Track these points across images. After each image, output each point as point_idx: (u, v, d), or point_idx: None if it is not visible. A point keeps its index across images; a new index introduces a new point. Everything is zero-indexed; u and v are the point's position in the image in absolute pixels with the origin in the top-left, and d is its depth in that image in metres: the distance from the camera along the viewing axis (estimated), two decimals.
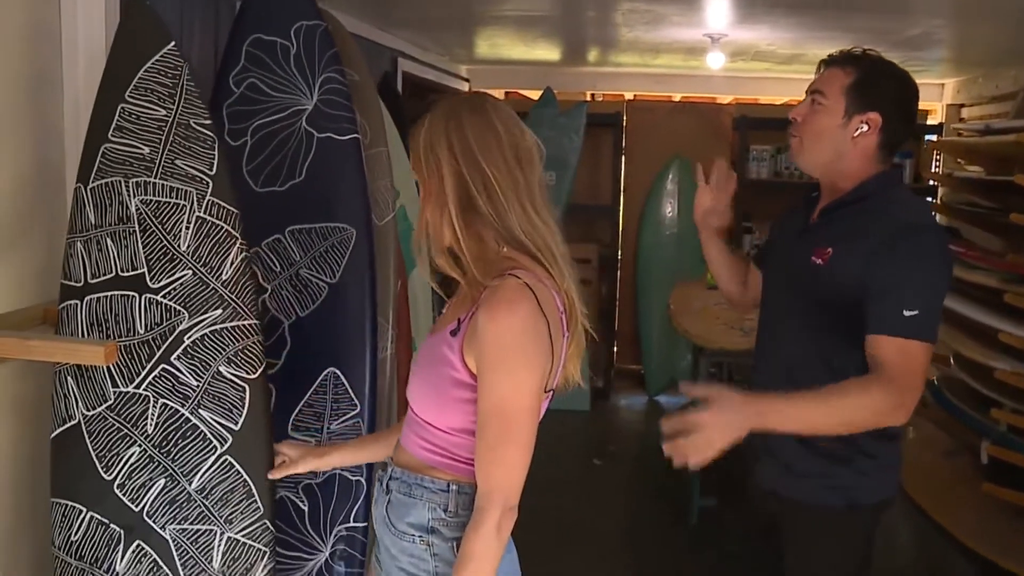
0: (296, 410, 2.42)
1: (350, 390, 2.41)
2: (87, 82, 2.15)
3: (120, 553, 2.03)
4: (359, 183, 2.47)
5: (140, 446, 2.01)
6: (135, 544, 2.02)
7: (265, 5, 2.49)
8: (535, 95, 6.26)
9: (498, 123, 1.57)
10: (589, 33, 5.08)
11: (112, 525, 2.03)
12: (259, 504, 2.00)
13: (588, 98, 6.99)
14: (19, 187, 2.15)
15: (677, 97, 7.03)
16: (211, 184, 1.95)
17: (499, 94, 7.60)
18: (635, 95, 7.25)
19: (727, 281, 2.51)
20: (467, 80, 6.57)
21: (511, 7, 4.06)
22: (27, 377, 2.14)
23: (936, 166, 6.24)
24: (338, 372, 2.42)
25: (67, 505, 2.04)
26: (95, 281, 2.00)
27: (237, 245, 1.96)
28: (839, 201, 2.08)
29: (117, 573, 2.04)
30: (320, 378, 2.41)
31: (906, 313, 1.87)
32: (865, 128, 2.04)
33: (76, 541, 2.05)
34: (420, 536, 1.62)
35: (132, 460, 2.01)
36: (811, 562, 2.16)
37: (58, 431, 2.05)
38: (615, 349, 6.66)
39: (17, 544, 2.15)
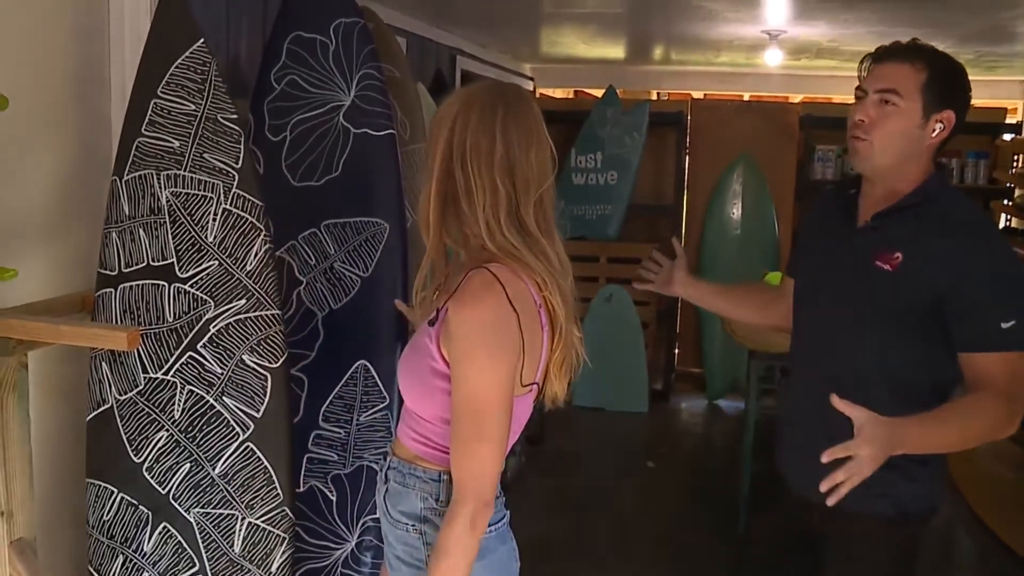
0: (327, 401, 2.45)
1: (379, 383, 2.44)
2: (131, 78, 2.22)
3: (148, 534, 2.10)
4: (394, 178, 2.49)
5: (167, 431, 2.07)
6: (161, 526, 2.09)
7: (305, 3, 2.53)
8: (600, 94, 6.25)
9: (500, 134, 1.54)
10: (651, 30, 5.05)
11: (141, 507, 2.10)
12: (279, 491, 2.05)
13: (653, 97, 6.94)
14: (67, 178, 2.24)
15: (746, 96, 6.94)
16: (237, 177, 2.00)
17: (565, 93, 7.61)
18: (704, 94, 7.19)
19: (740, 314, 2.45)
20: (531, 79, 6.58)
21: (573, 4, 4.06)
22: (68, 361, 2.22)
23: (1014, 167, 6.05)
24: (368, 364, 2.45)
25: (100, 486, 2.12)
26: (128, 270, 2.07)
27: (261, 237, 2.01)
28: (899, 204, 1.96)
29: (145, 553, 2.11)
30: (351, 370, 2.45)
31: (1003, 326, 1.81)
32: (941, 128, 1.92)
33: (108, 521, 2.12)
34: (413, 524, 1.64)
35: (160, 444, 2.08)
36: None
37: (93, 414, 2.12)
38: (676, 351, 6.60)
39: (56, 521, 2.24)
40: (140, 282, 2.06)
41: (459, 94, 1.61)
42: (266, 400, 2.03)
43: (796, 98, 7.00)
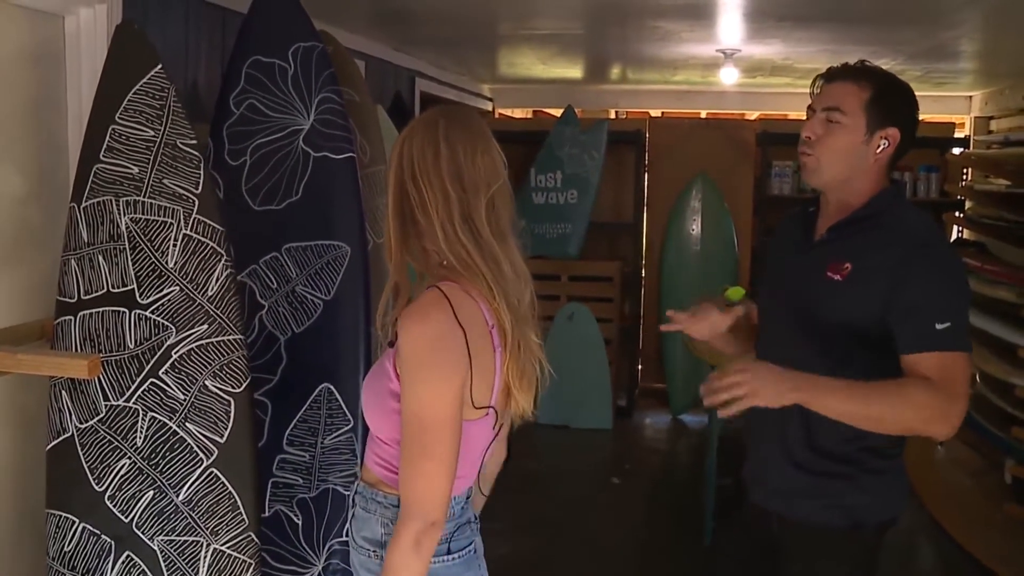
0: (291, 425, 2.45)
1: (343, 405, 2.44)
2: (88, 104, 2.22)
3: (111, 563, 2.08)
4: (354, 201, 2.50)
5: (130, 458, 2.06)
6: (125, 555, 2.07)
7: (264, 27, 2.54)
8: (559, 113, 6.30)
9: (444, 142, 1.56)
10: (608, 50, 5.10)
11: (103, 536, 2.08)
12: (244, 516, 2.04)
13: (612, 115, 7.00)
14: (24, 205, 2.22)
15: (703, 114, 7.03)
16: (197, 202, 2.00)
17: (524, 113, 7.66)
18: (662, 112, 7.26)
19: None
20: (490, 99, 6.62)
21: (529, 26, 4.10)
22: (27, 390, 2.20)
23: (964, 180, 6.17)
24: (332, 388, 2.45)
25: (61, 516, 2.09)
26: (88, 297, 2.05)
27: (222, 262, 2.00)
28: (851, 217, 2.02)
29: None
30: (315, 394, 2.45)
31: (938, 326, 1.86)
32: (886, 144, 1.99)
33: (69, 552, 2.10)
34: (374, 550, 1.62)
35: (122, 472, 2.06)
36: None
37: (53, 443, 2.10)
38: (639, 367, 6.64)
39: (15, 554, 2.21)
40: (100, 309, 2.05)
41: (408, 123, 1.64)
42: (230, 425, 2.02)
43: (752, 115, 7.09)
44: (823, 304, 2.00)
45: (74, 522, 2.08)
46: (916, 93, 2.06)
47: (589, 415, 5.78)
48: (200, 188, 2.00)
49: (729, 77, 4.58)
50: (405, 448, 1.52)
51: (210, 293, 2.00)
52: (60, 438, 2.09)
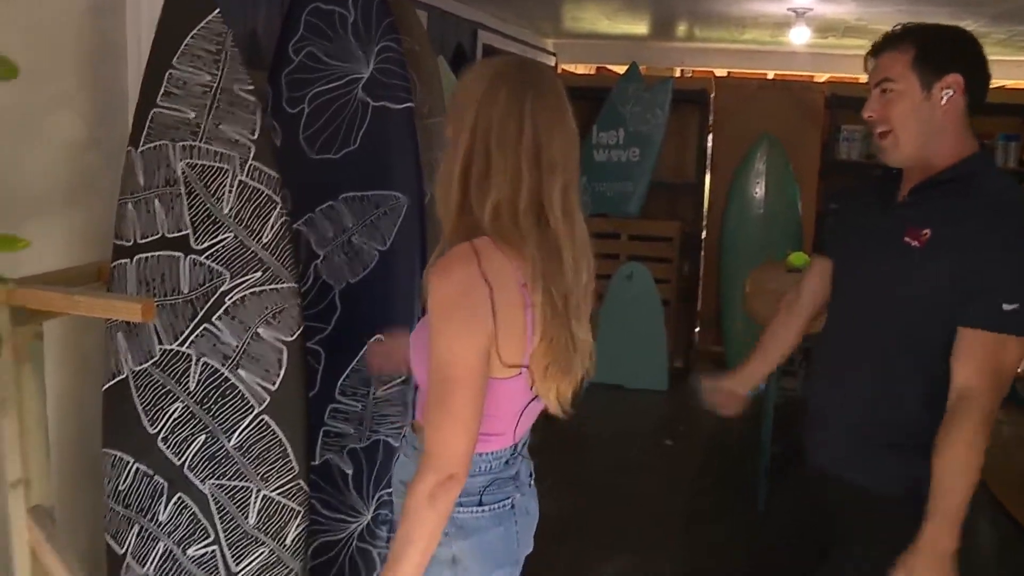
0: (344, 375, 2.45)
1: None
2: (148, 49, 2.21)
3: (163, 504, 2.11)
4: (412, 152, 2.48)
5: (183, 402, 2.08)
6: (177, 496, 2.09)
7: None
8: (622, 70, 6.20)
9: (528, 119, 1.50)
10: (675, 5, 4.98)
11: (156, 477, 2.10)
12: (294, 464, 2.05)
13: (676, 74, 6.87)
14: (84, 149, 2.23)
15: (770, 75, 6.86)
16: (253, 149, 1.99)
17: (587, 69, 7.55)
18: (728, 72, 7.11)
19: (798, 338, 2.40)
20: (553, 54, 6.53)
21: None
22: (85, 331, 2.23)
23: None
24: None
25: (116, 456, 2.12)
26: (144, 241, 2.06)
27: (278, 209, 2.00)
28: (935, 179, 1.94)
29: (160, 523, 2.11)
30: (368, 344, 2.44)
31: (1006, 307, 1.80)
32: (950, 92, 1.90)
33: (124, 490, 2.13)
34: None
35: (175, 415, 2.08)
36: (866, 556, 2.00)
37: (109, 384, 2.13)
38: (696, 330, 6.57)
39: (75, 491, 2.25)
40: (156, 253, 2.06)
41: (485, 70, 1.56)
42: (282, 373, 2.02)
43: (822, 77, 6.91)
44: (899, 274, 1.93)
45: (129, 462, 2.11)
46: (999, 57, 1.99)
47: (644, 376, 5.74)
48: (256, 134, 1.98)
49: (800, 37, 4.44)
50: (429, 400, 1.51)
51: (264, 240, 2.00)
52: (115, 379, 2.11)
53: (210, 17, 1.98)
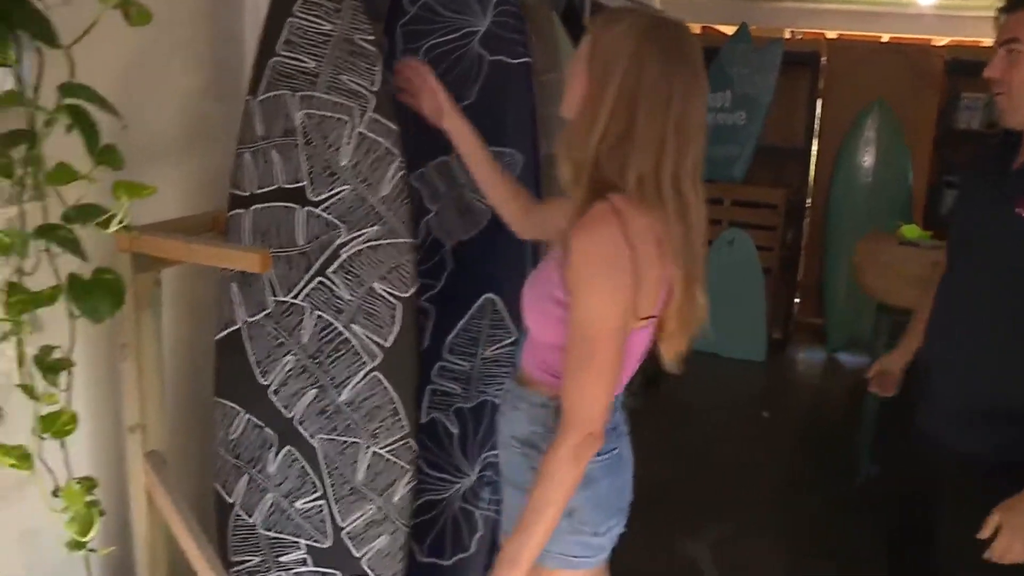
0: (453, 333, 2.42)
1: (507, 317, 2.39)
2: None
3: (273, 455, 2.11)
4: (528, 108, 2.41)
5: (295, 355, 2.06)
6: (286, 449, 2.09)
7: None
8: (730, 31, 6.01)
9: (678, 84, 1.49)
10: None
11: (266, 428, 2.10)
12: (404, 422, 2.02)
13: (787, 36, 6.64)
14: (202, 98, 2.22)
15: (885, 38, 6.58)
16: (373, 100, 1.94)
17: (694, 28, 7.36)
18: (839, 34, 6.84)
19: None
20: (661, 10, 6.36)
21: None
22: (200, 280, 2.23)
23: None
24: (496, 298, 2.39)
25: (227, 405, 2.13)
26: (260, 192, 2.04)
27: (396, 163, 1.95)
28: None
29: (269, 474, 2.12)
30: (478, 303, 2.40)
31: None
32: None
33: (234, 440, 2.13)
34: (519, 447, 1.65)
35: (287, 368, 2.07)
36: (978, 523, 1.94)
37: (222, 334, 2.13)
38: (796, 300, 6.40)
39: (187, 438, 2.27)
40: (272, 204, 2.04)
41: (631, 28, 1.52)
42: (395, 330, 1.99)
43: (940, 41, 6.60)
44: (1011, 246, 1.87)
45: (239, 412, 2.12)
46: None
47: (741, 345, 5.62)
48: (376, 86, 1.94)
49: None
50: (569, 359, 1.52)
51: (382, 194, 1.96)
52: (229, 329, 2.11)
53: None
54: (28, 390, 1.54)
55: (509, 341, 2.40)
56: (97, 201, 1.56)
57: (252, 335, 2.09)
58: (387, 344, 2.00)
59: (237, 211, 2.07)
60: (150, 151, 2.06)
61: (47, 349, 1.57)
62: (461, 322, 2.42)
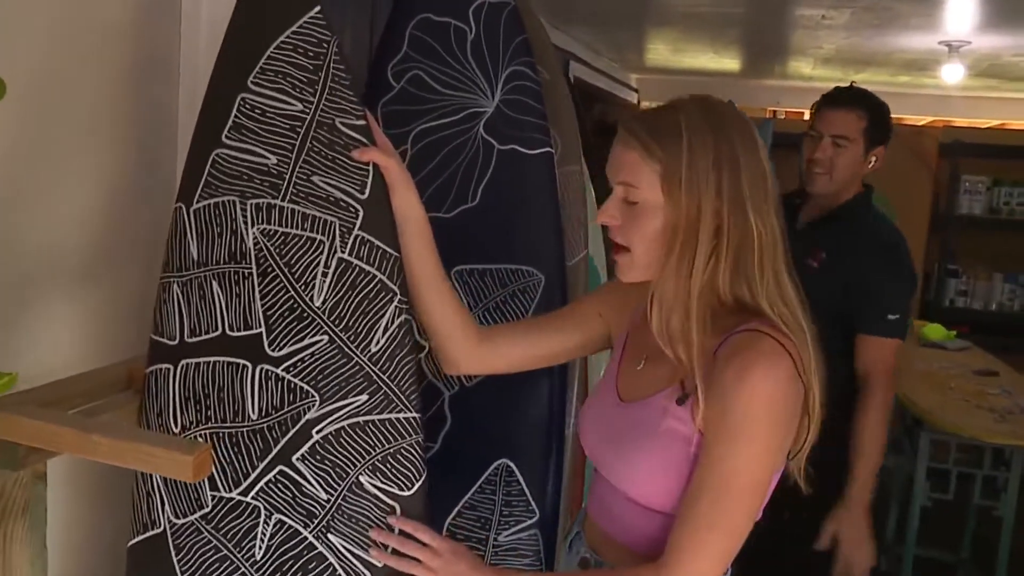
0: (454, 512, 1.82)
1: (527, 490, 1.80)
2: (210, 62, 1.58)
3: None
4: (552, 214, 1.86)
5: (244, 574, 1.43)
6: None
7: None
8: None
9: (765, 163, 1.35)
10: (780, 39, 4.45)
11: None
12: None
13: (768, 115, 6.29)
14: (113, 204, 1.62)
15: None
16: (362, 213, 1.35)
17: None
18: None
19: None
20: (635, 90, 6.01)
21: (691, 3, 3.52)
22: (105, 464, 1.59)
23: None
24: (512, 465, 1.81)
25: None
26: (194, 340, 1.43)
27: (395, 303, 1.35)
28: (830, 214, 2.52)
29: None
30: (489, 471, 1.82)
31: (890, 317, 2.38)
32: (875, 160, 2.52)
33: None
34: None
35: None
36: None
37: (137, 539, 1.49)
38: None
39: None
40: (211, 359, 1.42)
41: (698, 125, 1.35)
42: (393, 543, 1.37)
43: (921, 121, 6.31)
44: (815, 298, 1.90)
45: None
46: None
47: None
48: (367, 192, 1.34)
49: (953, 75, 3.80)
50: (694, 515, 1.30)
51: (374, 348, 1.35)
52: (147, 533, 1.48)
53: (307, 17, 1.34)
54: None
55: (530, 523, 1.81)
56: None
57: (181, 544, 1.46)
58: (380, 565, 1.37)
59: (161, 366, 1.45)
60: (39, 281, 1.45)
61: None
62: (465, 497, 1.83)
